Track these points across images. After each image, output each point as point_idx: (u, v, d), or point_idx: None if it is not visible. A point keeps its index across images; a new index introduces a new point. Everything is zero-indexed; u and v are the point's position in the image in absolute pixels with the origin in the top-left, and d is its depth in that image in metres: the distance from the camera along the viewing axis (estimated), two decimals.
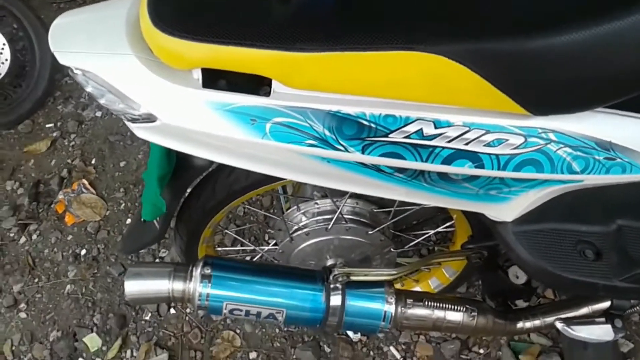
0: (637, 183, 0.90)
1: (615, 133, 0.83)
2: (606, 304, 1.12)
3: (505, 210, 0.95)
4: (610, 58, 0.76)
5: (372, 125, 0.80)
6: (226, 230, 1.89)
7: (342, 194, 1.25)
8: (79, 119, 2.46)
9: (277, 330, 1.77)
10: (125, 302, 1.87)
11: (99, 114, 2.46)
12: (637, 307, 1.16)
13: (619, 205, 0.95)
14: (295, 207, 1.31)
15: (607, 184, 0.90)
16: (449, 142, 0.81)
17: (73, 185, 2.20)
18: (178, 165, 1.07)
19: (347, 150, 0.82)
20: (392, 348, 1.71)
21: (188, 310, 1.83)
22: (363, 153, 0.83)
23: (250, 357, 1.73)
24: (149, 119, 0.85)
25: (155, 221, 1.15)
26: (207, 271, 1.07)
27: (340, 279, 1.09)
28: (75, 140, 2.39)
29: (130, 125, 0.89)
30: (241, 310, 1.08)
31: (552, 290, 1.65)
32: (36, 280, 1.97)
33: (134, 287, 1.09)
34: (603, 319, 1.10)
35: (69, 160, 2.31)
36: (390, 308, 1.10)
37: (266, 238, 1.98)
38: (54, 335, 1.83)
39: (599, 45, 0.74)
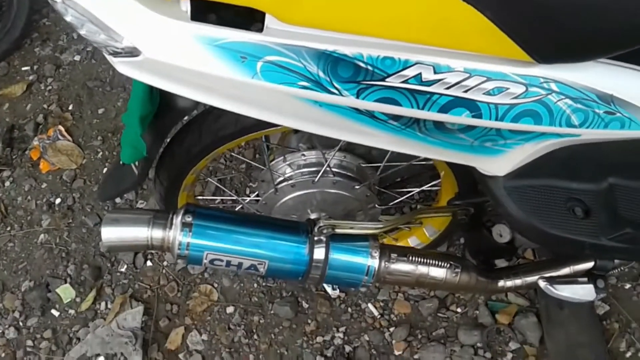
0: (634, 140, 0.88)
1: (618, 86, 0.81)
2: (588, 265, 1.13)
3: (499, 164, 0.93)
4: (623, 4, 0.74)
5: (369, 67, 0.77)
6: (208, 179, 1.86)
7: (330, 146, 1.22)
8: (57, 62, 2.38)
9: (255, 285, 1.76)
10: (101, 254, 1.85)
11: (77, 57, 2.39)
12: (620, 269, 1.17)
13: (613, 163, 0.95)
14: (282, 158, 1.28)
15: (604, 140, 0.89)
16: (448, 88, 0.79)
17: (49, 131, 2.14)
18: (161, 106, 1.03)
19: (341, 94, 0.80)
20: (370, 305, 1.71)
21: (165, 263, 1.82)
22: (358, 97, 0.80)
23: (227, 312, 1.73)
24: (132, 52, 0.81)
25: (134, 166, 1.12)
26: (188, 219, 1.05)
27: (325, 231, 1.07)
28: (52, 84, 2.31)
29: (111, 59, 0.85)
30: (222, 261, 1.06)
31: (532, 251, 1.66)
32: (8, 228, 1.94)
33: (111, 233, 1.06)
34: (585, 279, 1.11)
35: (45, 105, 2.24)
36: (374, 262, 1.09)
37: (247, 192, 1.95)
38: (26, 285, 1.81)
39: None
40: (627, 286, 1.67)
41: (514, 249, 1.27)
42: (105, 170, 2.05)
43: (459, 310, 1.68)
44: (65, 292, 1.79)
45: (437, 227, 1.50)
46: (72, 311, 1.75)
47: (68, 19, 0.81)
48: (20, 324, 1.74)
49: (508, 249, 1.26)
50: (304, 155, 1.26)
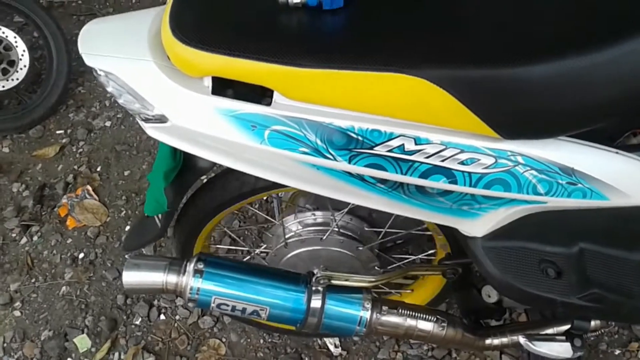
0: (598, 209, 0.98)
1: (578, 160, 0.92)
2: (568, 325, 1.20)
3: (476, 226, 1.03)
4: (576, 92, 0.85)
5: (360, 138, 0.89)
6: (225, 229, 1.97)
7: (335, 208, 1.34)
8: (89, 127, 2.56)
9: (261, 340, 1.84)
10: (118, 306, 1.93)
11: (108, 123, 2.56)
12: (600, 331, 1.24)
13: (581, 229, 1.03)
14: (293, 215, 1.39)
15: (569, 208, 0.99)
16: (427, 158, 0.90)
17: (77, 190, 2.29)
18: (183, 166, 1.15)
19: (335, 159, 0.91)
20: None
21: (177, 317, 1.90)
22: (350, 163, 0.91)
23: None
24: (161, 119, 0.94)
25: (157, 219, 1.23)
26: (200, 266, 1.15)
27: (321, 282, 1.16)
28: (83, 147, 2.48)
29: (143, 124, 0.98)
30: (228, 305, 1.16)
31: (526, 314, 1.72)
32: (33, 280, 2.03)
33: (131, 277, 1.16)
34: (563, 337, 1.18)
35: (76, 167, 2.40)
36: (365, 314, 1.18)
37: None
38: (45, 334, 1.89)
39: (565, 81, 0.83)
40: (617, 352, 1.72)
41: (503, 309, 1.35)
42: (127, 227, 2.17)
43: None
44: (82, 342, 1.87)
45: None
46: None
47: (109, 89, 0.95)
48: None
49: (497, 309, 1.34)
50: (314, 214, 1.37)
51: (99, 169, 2.39)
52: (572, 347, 1.16)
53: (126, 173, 2.37)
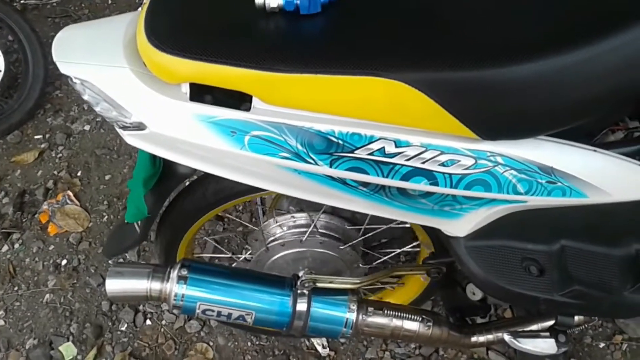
0: (578, 207, 0.99)
1: (556, 159, 0.92)
2: (552, 321, 1.21)
3: (458, 226, 1.04)
4: (553, 92, 0.85)
5: (340, 141, 0.88)
6: (206, 239, 1.96)
7: (317, 208, 1.34)
8: (68, 131, 2.53)
9: (249, 343, 1.83)
10: (103, 313, 1.92)
11: (87, 127, 2.54)
12: (583, 326, 1.25)
13: (562, 226, 1.04)
14: (273, 219, 1.39)
15: (550, 206, 0.99)
16: (408, 160, 0.90)
17: (58, 196, 2.26)
18: (162, 172, 1.14)
19: (316, 164, 0.91)
20: None
21: (163, 321, 1.89)
22: (331, 167, 0.91)
23: None
24: (139, 127, 0.93)
25: (136, 225, 1.22)
26: (184, 273, 1.15)
27: (306, 285, 1.16)
28: (62, 152, 2.46)
29: (121, 132, 0.97)
30: (213, 311, 1.15)
31: (511, 310, 1.73)
32: (16, 288, 2.01)
33: (114, 285, 1.16)
34: (548, 334, 1.19)
35: (55, 172, 2.37)
36: (351, 315, 1.18)
37: (243, 252, 2.04)
38: (30, 343, 1.87)
39: (541, 81, 0.84)
40: (602, 345, 1.74)
41: (487, 307, 1.36)
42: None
43: None
44: (68, 349, 1.85)
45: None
46: None
47: (85, 97, 0.94)
48: None
49: (481, 306, 1.35)
50: (293, 217, 1.36)
51: (79, 174, 2.37)
52: (556, 342, 1.17)
53: (107, 177, 2.35)
